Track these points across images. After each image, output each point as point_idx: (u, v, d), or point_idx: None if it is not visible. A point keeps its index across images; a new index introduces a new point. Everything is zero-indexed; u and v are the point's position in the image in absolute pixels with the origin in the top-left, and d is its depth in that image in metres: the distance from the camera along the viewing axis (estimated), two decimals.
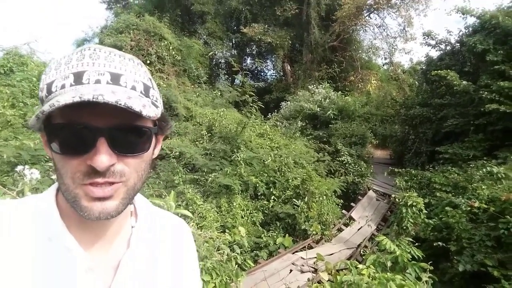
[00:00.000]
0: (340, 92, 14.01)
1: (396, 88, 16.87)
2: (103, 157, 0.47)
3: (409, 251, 4.34)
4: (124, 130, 0.49)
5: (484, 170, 7.01)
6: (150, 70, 11.45)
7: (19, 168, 1.55)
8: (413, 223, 6.24)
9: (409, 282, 2.71)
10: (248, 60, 19.41)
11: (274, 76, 20.07)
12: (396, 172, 9.74)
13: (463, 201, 6.03)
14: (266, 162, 7.98)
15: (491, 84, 8.98)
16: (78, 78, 0.47)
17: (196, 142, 9.08)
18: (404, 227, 6.20)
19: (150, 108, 0.48)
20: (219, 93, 13.42)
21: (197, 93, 13.01)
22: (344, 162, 10.50)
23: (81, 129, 0.47)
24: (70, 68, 0.48)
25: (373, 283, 2.47)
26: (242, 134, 8.35)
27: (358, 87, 16.58)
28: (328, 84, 14.32)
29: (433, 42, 11.94)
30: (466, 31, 10.95)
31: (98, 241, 0.58)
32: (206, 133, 9.19)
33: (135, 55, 11.08)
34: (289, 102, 13.99)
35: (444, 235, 5.75)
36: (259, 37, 15.15)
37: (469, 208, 5.64)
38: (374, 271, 3.18)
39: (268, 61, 19.35)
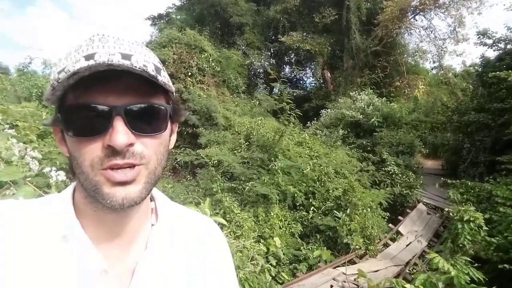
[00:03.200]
0: (384, 98, 13.33)
1: (447, 93, 15.67)
2: (121, 135, 0.46)
3: (467, 272, 3.85)
4: (140, 108, 0.48)
5: None
6: (191, 82, 11.92)
7: (46, 169, 1.56)
8: (471, 240, 5.58)
9: None
10: (287, 69, 19.42)
11: (313, 84, 19.81)
12: (449, 184, 8.91)
13: None
14: (304, 171, 7.72)
15: None
16: (89, 59, 0.44)
17: (234, 151, 9.12)
18: (460, 245, 5.55)
19: (164, 78, 0.48)
20: (257, 102, 13.52)
21: (236, 103, 13.22)
22: (390, 173, 9.85)
23: (96, 109, 0.46)
24: (81, 52, 0.46)
25: None
26: (279, 143, 8.21)
27: (405, 93, 15.66)
28: (372, 90, 13.72)
29: (490, 42, 10.91)
30: None
31: (115, 240, 0.56)
32: (244, 141, 9.20)
33: (177, 68, 11.67)
34: (329, 110, 13.62)
35: (511, 257, 5.05)
36: (298, 45, 15.05)
37: None
38: None
39: (307, 69, 19.21)
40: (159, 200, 0.65)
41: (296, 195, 7.20)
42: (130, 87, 0.47)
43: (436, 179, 11.02)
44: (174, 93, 0.56)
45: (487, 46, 11.10)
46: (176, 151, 10.36)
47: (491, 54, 11.35)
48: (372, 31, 14.94)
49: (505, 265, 4.74)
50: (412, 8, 14.81)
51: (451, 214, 6.63)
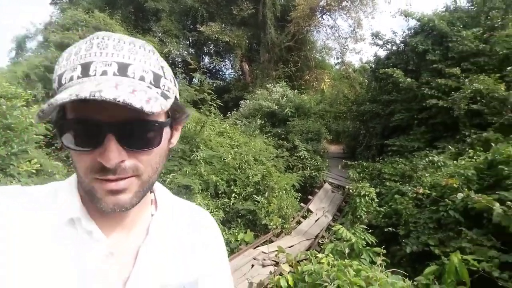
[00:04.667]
0: (296, 90, 14.45)
1: (348, 86, 17.78)
2: (112, 155, 0.46)
3: (363, 237, 4.64)
4: (133, 125, 0.47)
5: (426, 159, 7.67)
6: None
7: None
8: (366, 211, 6.66)
9: (365, 267, 2.89)
10: (206, 59, 19.30)
11: (232, 75, 20.18)
12: (349, 165, 10.30)
13: (409, 188, 6.56)
14: (226, 160, 7.98)
15: (431, 81, 9.80)
16: (85, 69, 0.46)
17: None
18: (358, 216, 6.58)
19: (155, 102, 0.45)
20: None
21: None
22: (301, 157, 10.87)
23: (89, 125, 0.46)
24: (79, 58, 0.47)
25: (332, 271, 2.61)
26: (201, 133, 8.27)
27: (313, 86, 17.23)
28: (285, 83, 14.70)
29: (380, 42, 12.74)
30: (409, 32, 11.85)
31: (117, 227, 0.58)
32: None
33: None
34: (248, 101, 14.16)
35: (394, 221, 6.21)
36: (216, 36, 15.11)
37: (414, 195, 6.13)
38: (333, 259, 3.35)
39: (226, 60, 19.40)
40: (159, 191, 0.67)
41: (218, 183, 7.40)
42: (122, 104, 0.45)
43: (338, 162, 12.56)
44: (176, 97, 0.56)
45: (379, 46, 12.91)
46: None
47: (382, 53, 13.29)
48: (285, 27, 15.92)
49: (389, 228, 5.82)
50: (320, 8, 16.25)
51: (351, 191, 7.71)
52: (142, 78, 0.48)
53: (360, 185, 7.08)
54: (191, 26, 16.90)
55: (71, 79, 0.46)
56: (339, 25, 17.23)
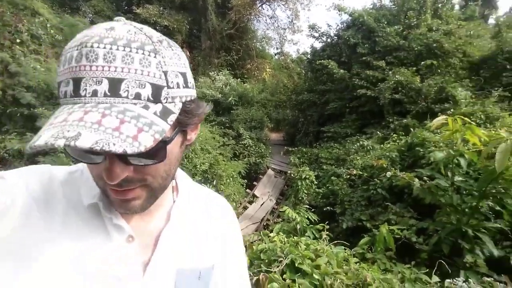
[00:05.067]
0: (239, 79, 14.56)
1: (287, 76, 18.48)
2: (113, 173, 0.45)
3: (306, 216, 5.07)
4: None
5: (357, 144, 8.52)
6: (22, 51, 9.64)
7: None
8: (307, 193, 7.21)
9: (312, 241, 3.22)
10: None
11: None
12: (290, 151, 10.90)
13: (343, 170, 7.25)
14: None
15: (360, 73, 10.78)
16: (76, 86, 0.43)
17: None
18: (300, 198, 7.10)
19: (147, 133, 0.42)
20: None
21: None
22: (246, 145, 11.15)
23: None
24: (70, 71, 0.43)
25: (285, 246, 2.86)
26: None
27: (255, 75, 17.53)
28: (228, 71, 14.70)
29: (316, 35, 13.49)
30: (342, 26, 12.76)
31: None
32: None
33: None
34: None
35: (331, 201, 6.82)
36: (154, 19, 14.33)
37: (348, 176, 6.82)
38: (284, 236, 3.65)
39: None
40: (180, 178, 0.68)
41: None
42: None
43: (279, 148, 13.17)
44: (187, 101, 0.51)
45: (315, 38, 13.65)
46: (3, 137, 8.40)
47: (318, 45, 14.11)
48: (227, 14, 15.79)
49: (328, 207, 6.42)
50: None
51: (292, 175, 8.24)
52: (137, 96, 0.44)
53: (301, 169, 7.60)
54: (126, 8, 15.75)
55: (65, 95, 0.44)
56: (278, 16, 17.69)
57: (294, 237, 3.31)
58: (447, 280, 2.11)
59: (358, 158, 7.48)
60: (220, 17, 16.17)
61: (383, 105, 9.73)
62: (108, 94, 0.43)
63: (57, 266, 0.49)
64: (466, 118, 3.34)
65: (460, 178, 3.58)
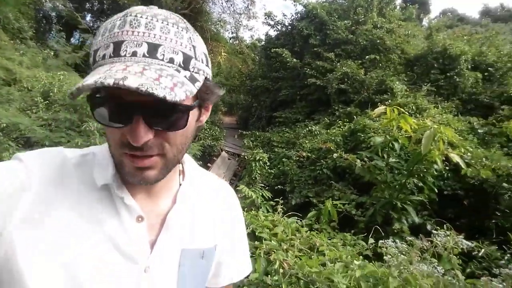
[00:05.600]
0: None
1: (241, 62, 18.54)
2: (138, 134, 0.48)
3: (261, 194, 5.43)
4: (159, 108, 0.48)
5: (306, 129, 9.13)
6: None
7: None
8: (260, 173, 7.60)
9: (269, 214, 3.54)
10: (88, 17, 16.66)
11: None
12: (244, 135, 11.19)
13: (293, 153, 7.76)
14: None
15: (311, 63, 11.36)
16: (116, 48, 0.47)
17: (28, 112, 7.48)
18: (254, 178, 7.47)
19: (180, 89, 0.46)
20: (52, 53, 11.11)
21: (21, 51, 10.41)
22: (200, 128, 11.15)
23: (118, 105, 0.48)
24: (112, 36, 0.48)
25: (247, 218, 3.14)
26: None
27: (209, 58, 17.21)
28: None
29: (272, 23, 13.76)
30: (296, 16, 13.13)
31: (146, 194, 0.62)
32: (43, 100, 7.71)
33: None
34: None
35: (282, 180, 7.28)
36: None
37: (297, 158, 7.34)
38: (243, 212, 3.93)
39: None
40: (187, 163, 0.71)
41: None
42: None
43: (233, 132, 13.38)
44: (207, 78, 0.56)
45: (270, 26, 13.93)
46: None
47: (273, 33, 14.35)
48: None
49: (279, 186, 6.88)
50: None
51: (246, 157, 8.57)
52: (171, 60, 0.48)
53: (255, 151, 7.95)
54: None
55: (103, 57, 0.48)
56: (234, 0, 17.43)
57: (252, 211, 3.63)
58: (380, 241, 2.58)
59: (306, 142, 8.04)
60: None
61: (330, 94, 10.46)
62: (147, 55, 0.47)
63: (68, 242, 0.52)
64: (401, 109, 3.91)
65: (394, 160, 4.20)
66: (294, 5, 12.77)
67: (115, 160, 0.55)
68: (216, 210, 0.73)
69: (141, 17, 0.48)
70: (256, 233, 2.76)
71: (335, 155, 5.40)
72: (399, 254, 2.10)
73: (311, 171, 6.80)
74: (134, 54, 0.47)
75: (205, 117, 0.63)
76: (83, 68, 8.61)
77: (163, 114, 0.50)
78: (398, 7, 14.08)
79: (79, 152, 0.62)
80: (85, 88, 0.43)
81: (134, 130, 0.48)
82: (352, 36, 11.19)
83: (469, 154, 4.54)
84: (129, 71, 0.44)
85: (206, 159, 10.75)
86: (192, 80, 0.50)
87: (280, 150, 8.84)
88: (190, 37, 0.52)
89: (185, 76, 0.49)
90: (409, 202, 3.99)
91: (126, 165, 0.53)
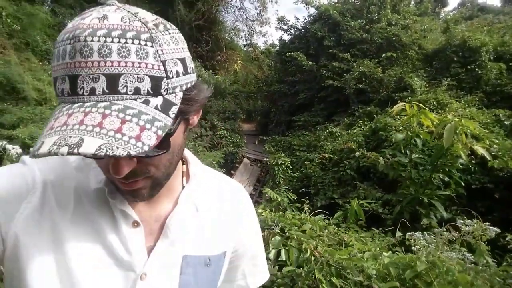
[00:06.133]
0: (210, 71, 14.67)
1: (257, 68, 18.76)
2: (120, 167, 0.46)
3: (286, 196, 5.55)
4: None
5: (326, 131, 9.15)
6: None
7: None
8: (283, 177, 7.72)
9: (296, 213, 3.65)
10: None
11: None
12: (264, 140, 11.34)
13: (315, 155, 7.82)
14: None
15: (327, 64, 11.40)
16: (73, 85, 0.42)
17: None
18: (277, 182, 7.59)
19: (149, 131, 0.42)
20: None
21: (49, 72, 11.11)
22: (221, 136, 11.43)
23: None
24: (65, 67, 0.43)
25: (275, 217, 3.27)
26: None
27: (225, 67, 17.63)
28: (199, 63, 14.76)
29: (285, 27, 13.89)
30: (309, 19, 13.22)
31: None
32: None
33: None
34: None
35: (305, 183, 7.36)
36: None
37: (320, 160, 7.40)
38: (270, 211, 4.07)
39: None
40: (192, 163, 0.67)
41: None
42: None
43: (253, 138, 13.57)
44: (188, 88, 0.50)
45: (284, 31, 14.05)
46: None
47: (287, 37, 14.47)
48: (195, 5, 15.69)
49: (303, 189, 6.96)
50: None
51: (268, 162, 8.71)
52: (136, 91, 0.43)
53: (277, 155, 8.08)
54: None
55: (62, 92, 0.43)
56: (247, 8, 17.81)
57: (279, 212, 3.75)
58: (408, 233, 2.64)
59: (328, 144, 8.08)
60: (188, 7, 16.04)
61: (349, 94, 10.45)
62: (107, 91, 0.42)
63: (66, 245, 0.52)
64: (421, 105, 3.95)
65: (417, 155, 4.22)
66: (306, 8, 12.91)
67: (108, 179, 0.54)
68: (227, 214, 0.69)
69: (91, 41, 0.41)
70: (285, 231, 2.89)
71: (357, 153, 5.46)
72: (427, 245, 2.17)
73: (334, 172, 6.84)
74: (92, 91, 0.42)
75: (196, 119, 0.58)
76: None
77: None
78: (412, 2, 13.91)
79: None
80: (41, 155, 0.38)
81: (114, 165, 0.46)
82: (367, 35, 11.17)
83: (495, 146, 4.47)
84: (86, 125, 0.40)
85: (229, 166, 10.98)
86: (166, 107, 0.45)
87: (302, 154, 8.90)
88: (156, 51, 0.44)
89: (156, 107, 0.44)
90: (436, 198, 3.99)
91: (117, 185, 0.52)
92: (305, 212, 3.93)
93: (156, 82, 0.44)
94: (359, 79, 10.23)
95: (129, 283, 0.55)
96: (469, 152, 3.83)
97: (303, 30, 13.55)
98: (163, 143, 0.46)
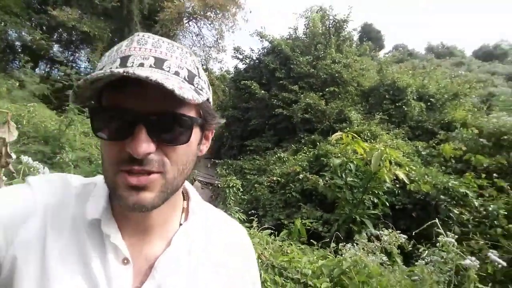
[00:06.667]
0: None
1: (212, 93, 19.02)
2: (140, 145, 0.46)
3: (237, 217, 5.80)
4: (164, 117, 0.48)
5: (275, 156, 9.74)
6: None
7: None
8: (234, 200, 7.97)
9: (246, 229, 3.95)
10: (55, 47, 16.68)
11: (90, 69, 18.15)
12: (217, 163, 11.56)
13: (264, 179, 8.26)
14: (95, 163, 7.72)
15: (278, 94, 12.24)
16: (123, 62, 0.47)
17: None
18: (228, 204, 7.81)
19: (188, 91, 0.45)
20: (17, 84, 10.94)
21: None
22: None
23: (121, 114, 0.47)
24: (119, 53, 0.49)
25: None
26: (66, 133, 7.65)
27: None
28: None
29: (241, 57, 14.74)
30: (263, 51, 14.23)
31: (138, 234, 0.57)
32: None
33: None
34: None
35: (255, 205, 7.69)
36: (73, 23, 13.51)
37: (269, 183, 7.84)
38: None
39: (82, 51, 17.31)
40: (193, 201, 0.65)
41: None
42: (157, 95, 0.45)
43: (205, 162, 13.67)
44: (209, 100, 0.55)
45: (239, 60, 14.88)
46: None
47: (241, 66, 15.24)
48: (153, 27, 15.85)
49: (252, 211, 7.26)
50: (187, 14, 16.92)
51: (219, 185, 8.91)
52: (176, 73, 0.49)
53: (229, 178, 8.35)
54: (40, 7, 14.37)
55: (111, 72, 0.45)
56: (204, 34, 18.40)
57: None
58: (340, 244, 3.10)
59: (276, 168, 8.61)
60: (146, 29, 16.13)
61: (296, 123, 11.30)
62: (153, 66, 0.47)
63: (55, 274, 0.50)
64: (355, 135, 4.62)
65: (351, 179, 4.85)
66: (261, 40, 13.84)
67: (108, 184, 0.51)
68: (225, 254, 0.64)
69: (148, 37, 0.51)
70: None
71: (301, 175, 5.99)
72: (355, 252, 2.63)
73: (281, 195, 7.28)
74: (141, 65, 0.47)
75: (205, 147, 0.60)
76: (51, 100, 8.55)
77: (166, 126, 0.48)
78: (354, 44, 15.69)
79: (82, 182, 0.61)
80: (93, 78, 0.42)
81: (136, 141, 0.46)
82: (313, 70, 12.29)
83: (413, 172, 5.32)
84: (135, 68, 0.46)
85: None
86: (197, 92, 0.50)
87: (252, 177, 9.29)
88: (194, 60, 0.54)
89: (190, 87, 0.50)
90: (366, 216, 4.59)
91: (120, 185, 0.49)
92: (254, 229, 4.26)
93: (191, 75, 0.51)
94: (305, 110, 11.14)
95: None
96: (394, 177, 4.54)
97: (257, 61, 14.44)
98: (186, 133, 0.50)
